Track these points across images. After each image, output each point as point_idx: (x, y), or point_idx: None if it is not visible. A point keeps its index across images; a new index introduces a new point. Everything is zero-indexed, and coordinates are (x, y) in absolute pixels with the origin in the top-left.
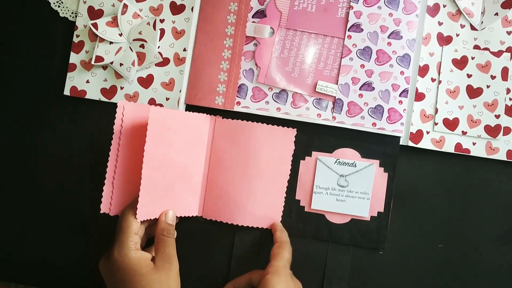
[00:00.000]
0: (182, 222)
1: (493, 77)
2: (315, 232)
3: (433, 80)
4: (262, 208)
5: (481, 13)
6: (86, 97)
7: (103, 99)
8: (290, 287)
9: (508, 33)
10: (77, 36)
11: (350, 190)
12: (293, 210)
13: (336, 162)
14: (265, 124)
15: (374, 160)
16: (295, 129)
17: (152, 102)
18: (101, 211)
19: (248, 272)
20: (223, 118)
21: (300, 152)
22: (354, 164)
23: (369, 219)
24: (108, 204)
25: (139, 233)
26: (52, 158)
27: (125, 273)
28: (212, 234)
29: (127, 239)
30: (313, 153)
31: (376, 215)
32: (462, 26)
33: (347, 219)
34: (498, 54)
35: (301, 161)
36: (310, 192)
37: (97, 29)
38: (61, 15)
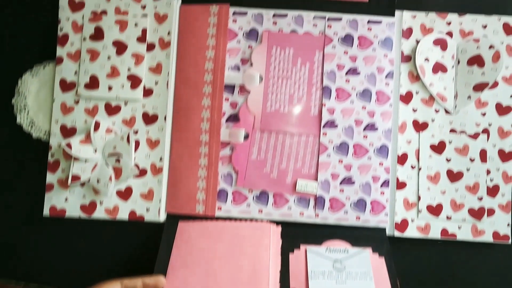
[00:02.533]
0: None
1: (472, 160)
2: None
3: (413, 167)
4: None
5: (454, 97)
6: (66, 216)
7: (83, 216)
8: None
9: (483, 114)
10: (52, 155)
11: (348, 271)
12: None
13: (327, 250)
14: (238, 221)
15: (367, 247)
16: (280, 225)
17: (132, 214)
18: None
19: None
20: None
21: (288, 245)
22: (346, 250)
23: None
24: None
25: None
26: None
27: None
28: None
29: None
30: (302, 245)
31: None
32: (437, 111)
33: None
34: (474, 136)
35: (290, 254)
36: (305, 280)
37: (71, 149)
38: (34, 136)
